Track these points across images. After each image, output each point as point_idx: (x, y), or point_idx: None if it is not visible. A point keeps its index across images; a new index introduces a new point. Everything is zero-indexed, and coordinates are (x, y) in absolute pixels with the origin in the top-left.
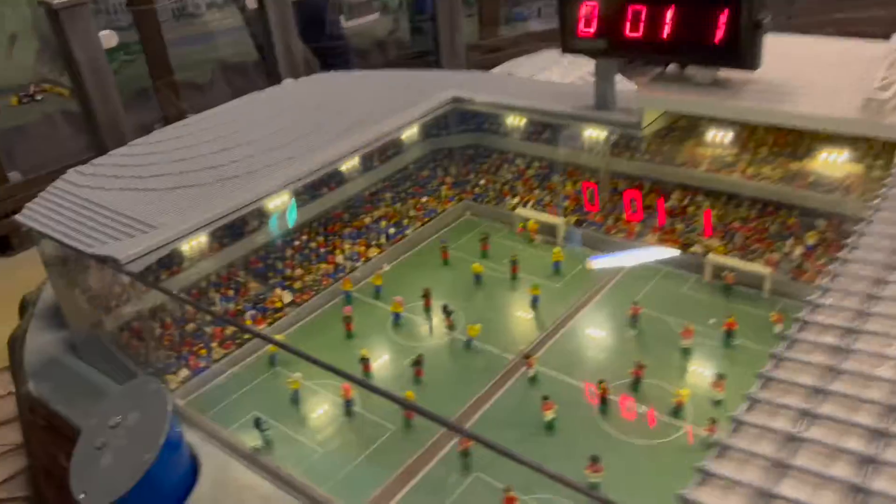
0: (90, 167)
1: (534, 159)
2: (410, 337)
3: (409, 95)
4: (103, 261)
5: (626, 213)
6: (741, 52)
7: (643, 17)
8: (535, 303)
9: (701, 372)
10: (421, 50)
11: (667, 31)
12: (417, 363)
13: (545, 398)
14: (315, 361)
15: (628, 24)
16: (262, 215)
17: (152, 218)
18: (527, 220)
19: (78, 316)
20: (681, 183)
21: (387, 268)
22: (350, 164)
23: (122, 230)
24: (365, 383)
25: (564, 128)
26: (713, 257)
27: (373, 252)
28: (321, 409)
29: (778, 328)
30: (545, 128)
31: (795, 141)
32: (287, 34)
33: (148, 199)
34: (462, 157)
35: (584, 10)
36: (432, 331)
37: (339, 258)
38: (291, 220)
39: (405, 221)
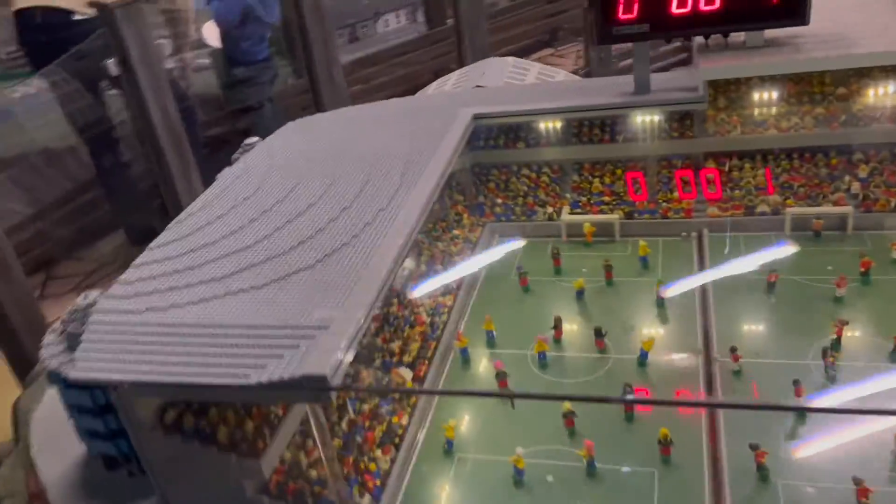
0: (120, 288)
1: (544, 164)
2: (569, 373)
3: (430, 122)
4: (301, 385)
5: (679, 193)
6: (796, 8)
7: None
8: (661, 301)
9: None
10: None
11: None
12: (626, 391)
13: (796, 382)
14: None
15: (675, 1)
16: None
17: (298, 318)
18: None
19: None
20: (727, 150)
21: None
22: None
23: (269, 351)
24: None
25: (601, 121)
26: (791, 210)
27: (447, 300)
28: None
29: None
30: (555, 129)
31: (819, 88)
32: (162, 97)
33: (263, 300)
34: (467, 177)
35: None
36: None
37: (424, 317)
38: None
39: (452, 259)
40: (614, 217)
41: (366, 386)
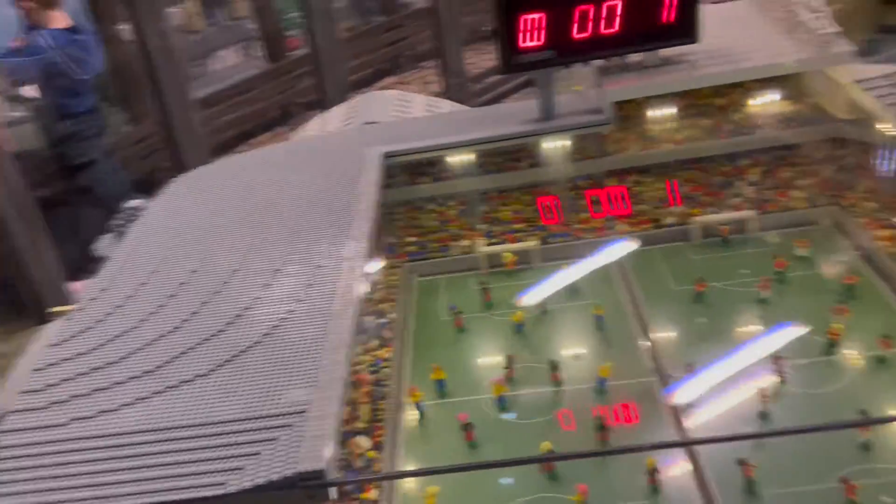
0: (28, 398)
1: (449, 197)
2: (532, 411)
3: (338, 165)
4: (294, 485)
5: (591, 213)
6: (687, 28)
7: (591, 15)
8: (600, 322)
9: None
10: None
11: (618, 22)
12: (601, 428)
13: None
14: None
15: (576, 26)
16: None
17: (265, 406)
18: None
19: None
20: (628, 167)
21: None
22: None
23: (241, 450)
24: None
25: (506, 150)
26: (698, 219)
27: (384, 352)
28: None
29: (801, 251)
30: (460, 162)
31: (705, 101)
32: None
33: None
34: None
35: (526, 22)
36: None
37: (367, 375)
38: None
39: (378, 307)
40: (533, 243)
41: (369, 474)
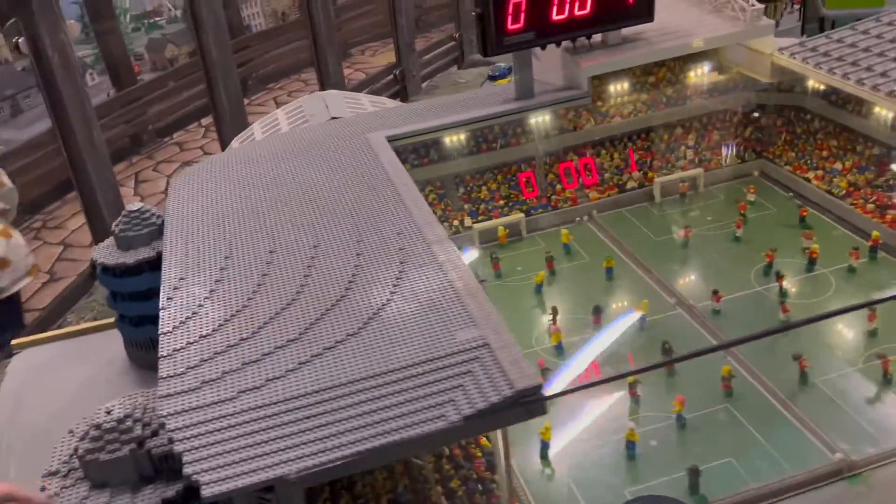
0: (173, 383)
1: (426, 183)
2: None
3: (350, 150)
4: (515, 404)
5: (564, 183)
6: (646, 9)
7: None
8: (610, 273)
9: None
10: None
11: (589, 4)
12: (666, 347)
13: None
14: None
15: (554, 9)
16: None
17: (438, 349)
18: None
19: None
20: (600, 139)
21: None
22: None
23: (440, 387)
24: None
25: (480, 131)
26: (658, 180)
27: None
28: None
29: (750, 196)
30: (436, 146)
31: (647, 76)
32: None
33: None
34: None
35: (512, 6)
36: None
37: None
38: None
39: None
40: (520, 216)
41: (577, 386)
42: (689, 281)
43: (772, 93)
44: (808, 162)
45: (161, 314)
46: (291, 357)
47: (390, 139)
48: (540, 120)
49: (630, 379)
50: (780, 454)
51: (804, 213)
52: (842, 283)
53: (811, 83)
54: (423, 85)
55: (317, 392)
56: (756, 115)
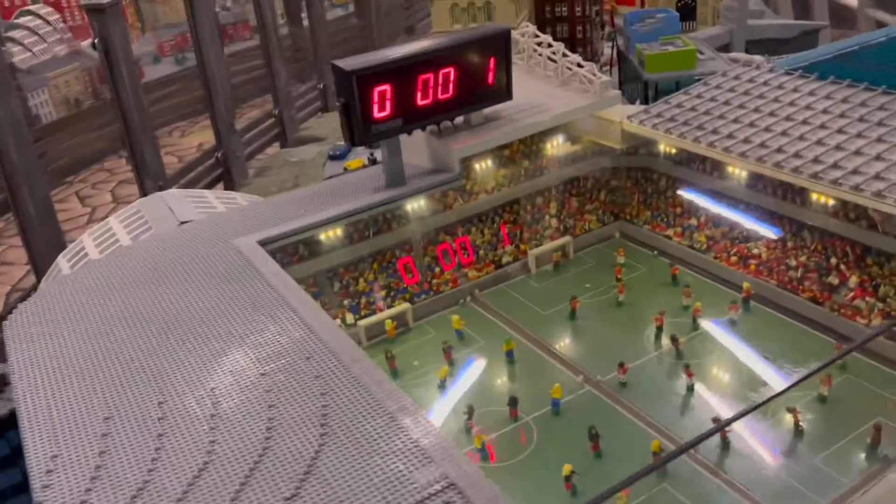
0: None
1: (300, 281)
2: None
3: (219, 262)
4: None
5: (443, 266)
6: (504, 89)
7: (431, 83)
8: (510, 356)
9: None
10: None
11: (451, 88)
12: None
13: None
14: None
15: (419, 94)
16: None
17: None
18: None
19: None
20: (469, 216)
21: None
22: None
23: None
24: None
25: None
26: (533, 252)
27: None
28: None
29: (620, 258)
30: (302, 245)
31: (506, 149)
32: None
33: None
34: None
35: (378, 94)
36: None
37: None
38: None
39: None
40: (406, 306)
41: None
42: (589, 354)
43: (622, 157)
44: (664, 219)
45: None
46: None
47: (262, 243)
48: (414, 205)
49: (565, 471)
50: None
51: (675, 272)
52: (728, 336)
53: (661, 146)
54: (252, 167)
55: None
56: (610, 179)
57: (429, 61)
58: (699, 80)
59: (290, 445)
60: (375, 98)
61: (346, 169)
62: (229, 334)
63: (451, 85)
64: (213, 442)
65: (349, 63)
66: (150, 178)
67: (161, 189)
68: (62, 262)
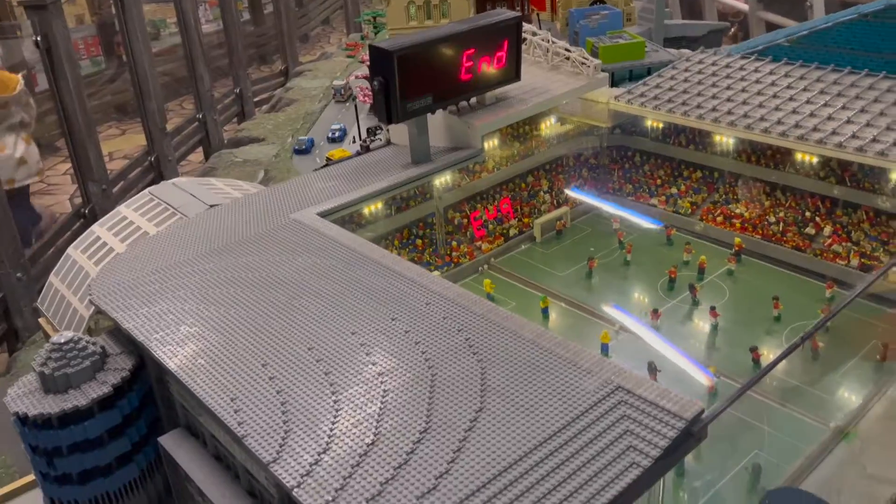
0: None
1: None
2: None
3: (287, 230)
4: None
5: (477, 233)
6: (514, 72)
7: (460, 63)
8: (545, 313)
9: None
10: None
11: (476, 68)
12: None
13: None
14: None
15: (450, 74)
16: None
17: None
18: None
19: None
20: (483, 191)
21: None
22: None
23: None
24: None
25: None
26: (538, 221)
27: None
28: None
29: (616, 225)
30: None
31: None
32: None
33: None
34: None
35: (415, 74)
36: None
37: None
38: None
39: None
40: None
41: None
42: (618, 305)
43: (605, 136)
44: (647, 190)
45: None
46: (439, 448)
47: (322, 215)
48: (437, 182)
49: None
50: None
51: (670, 233)
52: (733, 284)
53: (646, 123)
54: (197, 170)
55: (493, 480)
56: (593, 156)
57: (459, 43)
58: (649, 68)
59: (456, 370)
60: (413, 77)
61: (329, 159)
62: (344, 291)
63: (475, 65)
64: (382, 374)
65: (389, 44)
66: (93, 181)
67: (105, 192)
68: (76, 254)
